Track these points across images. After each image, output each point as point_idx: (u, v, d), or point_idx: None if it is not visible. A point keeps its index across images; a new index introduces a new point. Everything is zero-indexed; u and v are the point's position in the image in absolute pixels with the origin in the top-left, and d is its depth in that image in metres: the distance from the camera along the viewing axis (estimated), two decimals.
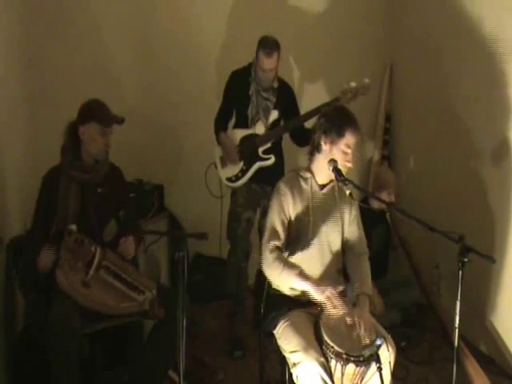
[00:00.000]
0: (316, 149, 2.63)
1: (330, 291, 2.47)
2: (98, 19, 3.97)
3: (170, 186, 4.11)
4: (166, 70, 4.14)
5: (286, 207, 2.62)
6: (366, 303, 2.57)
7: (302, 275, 2.54)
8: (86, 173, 2.88)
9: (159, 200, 3.96)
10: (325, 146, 2.58)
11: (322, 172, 2.66)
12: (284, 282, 2.58)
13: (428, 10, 4.02)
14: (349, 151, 2.57)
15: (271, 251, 2.59)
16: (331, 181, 2.68)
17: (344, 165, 2.59)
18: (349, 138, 2.55)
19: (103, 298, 2.74)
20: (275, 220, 2.63)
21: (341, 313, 2.43)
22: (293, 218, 2.64)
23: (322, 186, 2.69)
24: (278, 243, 2.61)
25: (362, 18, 4.40)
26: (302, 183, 2.67)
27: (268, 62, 3.37)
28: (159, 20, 4.10)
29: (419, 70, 4.17)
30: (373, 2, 4.45)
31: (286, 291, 2.61)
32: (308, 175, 2.68)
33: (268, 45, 3.37)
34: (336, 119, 2.57)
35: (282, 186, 2.66)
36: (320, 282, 2.55)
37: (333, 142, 2.56)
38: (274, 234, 2.61)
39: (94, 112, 2.85)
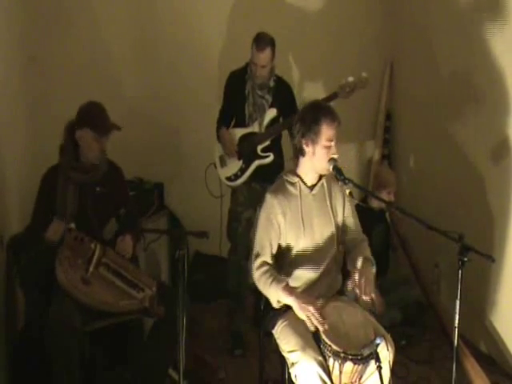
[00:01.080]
0: (300, 153, 2.62)
1: (311, 310, 2.45)
2: (98, 19, 3.98)
3: (170, 184, 4.11)
4: (166, 69, 4.14)
5: (274, 219, 2.61)
6: (368, 264, 2.59)
7: (287, 290, 2.53)
8: (84, 173, 2.88)
9: (159, 198, 3.96)
10: (307, 149, 2.58)
11: (309, 173, 2.66)
12: (273, 296, 2.58)
13: (429, 6, 4.01)
14: (331, 144, 2.56)
15: (258, 267, 2.60)
16: (320, 179, 2.68)
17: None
18: (327, 132, 2.53)
19: (103, 296, 2.75)
20: (263, 236, 2.63)
21: (321, 328, 2.41)
22: (285, 225, 2.62)
23: (312, 187, 2.68)
24: (265, 258, 2.61)
25: (362, 15, 4.38)
26: (291, 188, 2.66)
27: (260, 57, 3.36)
28: (159, 19, 4.10)
29: (420, 67, 4.16)
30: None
31: (274, 304, 2.60)
32: (295, 179, 2.66)
33: (261, 40, 3.37)
34: (309, 118, 2.55)
35: (268, 197, 2.64)
36: (304, 295, 2.54)
37: (314, 142, 2.55)
38: (262, 250, 2.62)
39: (91, 118, 2.82)
